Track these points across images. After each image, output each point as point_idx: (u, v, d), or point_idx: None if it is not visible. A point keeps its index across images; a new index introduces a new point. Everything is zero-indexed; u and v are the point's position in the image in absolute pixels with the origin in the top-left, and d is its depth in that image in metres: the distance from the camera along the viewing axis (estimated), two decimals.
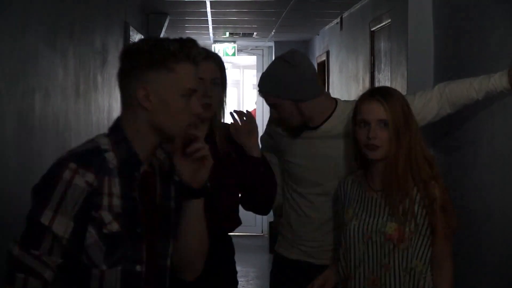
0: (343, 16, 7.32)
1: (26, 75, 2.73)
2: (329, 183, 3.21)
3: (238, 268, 3.19)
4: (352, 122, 2.84)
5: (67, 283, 2.08)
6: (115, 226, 2.06)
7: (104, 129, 2.18)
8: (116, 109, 5.10)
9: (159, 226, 2.19)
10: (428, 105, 3.24)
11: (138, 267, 2.11)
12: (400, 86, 4.62)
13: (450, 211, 2.76)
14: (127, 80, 2.11)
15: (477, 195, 3.32)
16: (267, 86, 3.26)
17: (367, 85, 5.99)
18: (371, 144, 2.74)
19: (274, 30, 9.02)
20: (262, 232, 10.52)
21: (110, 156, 2.07)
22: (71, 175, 2.02)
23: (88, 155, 2.07)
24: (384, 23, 5.40)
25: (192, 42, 2.12)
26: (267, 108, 11.19)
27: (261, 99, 12.23)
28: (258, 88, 3.30)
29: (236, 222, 3.11)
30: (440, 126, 3.56)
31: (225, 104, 3.09)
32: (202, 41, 10.34)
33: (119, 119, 2.13)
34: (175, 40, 2.10)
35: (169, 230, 2.22)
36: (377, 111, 2.75)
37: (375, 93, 2.80)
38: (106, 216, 2.05)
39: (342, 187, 2.94)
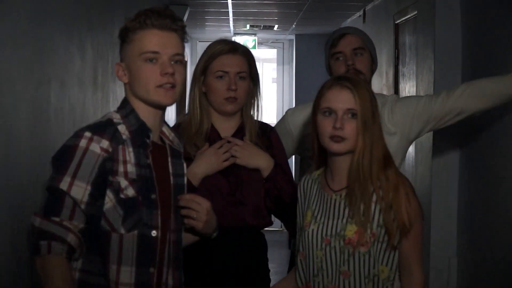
0: (366, 9, 7.25)
1: (41, 65, 2.65)
2: None
3: (273, 265, 3.12)
4: (313, 110, 2.51)
5: (90, 248, 2.19)
6: (131, 191, 2.21)
7: None
8: None
9: (172, 199, 2.33)
10: (452, 101, 3.19)
11: (153, 232, 2.24)
12: (426, 80, 4.53)
13: (417, 215, 2.45)
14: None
15: None
16: (356, 30, 3.27)
17: (391, 79, 5.92)
18: (337, 136, 2.43)
19: (295, 23, 8.93)
20: (281, 227, 10.44)
21: (122, 128, 2.25)
22: (87, 142, 2.18)
23: (102, 126, 2.24)
24: (409, 16, 5.32)
25: (151, 11, 2.27)
26: (286, 102, 11.13)
27: (280, 92, 12.11)
28: (344, 31, 3.24)
29: (265, 221, 2.98)
30: (481, 127, 3.49)
31: (258, 98, 3.02)
32: (222, 34, 10.27)
33: (125, 97, 2.33)
34: (136, 13, 2.29)
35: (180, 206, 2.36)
36: (346, 99, 2.44)
37: (343, 80, 2.49)
38: (122, 181, 2.20)
39: (301, 187, 2.63)
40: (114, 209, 2.20)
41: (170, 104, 2.32)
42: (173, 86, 2.27)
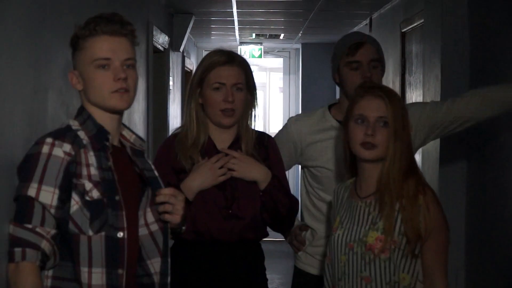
0: (373, 17, 7.22)
1: (38, 74, 2.61)
2: None
3: (277, 276, 3.08)
4: (345, 118, 2.61)
5: (61, 254, 2.24)
6: (96, 193, 2.25)
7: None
8: (137, 111, 4.98)
9: (139, 196, 2.40)
10: (458, 106, 3.13)
11: (119, 234, 2.28)
12: (433, 88, 4.48)
13: (440, 224, 2.51)
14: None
15: None
16: (371, 39, 3.19)
17: (398, 88, 5.88)
18: (368, 142, 2.51)
19: (301, 32, 8.90)
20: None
21: (82, 134, 2.30)
22: (49, 148, 2.23)
23: (62, 131, 2.29)
24: (416, 24, 5.29)
25: (100, 17, 2.32)
26: (292, 112, 11.07)
27: (287, 101, 12.08)
28: (361, 39, 3.14)
29: (262, 233, 2.96)
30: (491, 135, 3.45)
31: (255, 108, 2.97)
32: (228, 43, 10.25)
33: (81, 104, 2.38)
34: (86, 20, 2.33)
35: (151, 201, 2.42)
36: (378, 107, 2.53)
37: (376, 89, 2.58)
38: (87, 184, 2.25)
39: (335, 194, 2.74)
40: (81, 211, 2.24)
41: (126, 108, 2.39)
42: (126, 91, 2.32)
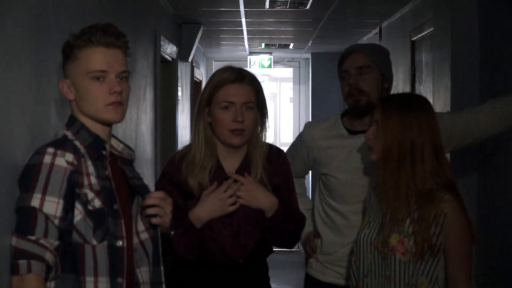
0: (382, 26, 7.20)
1: (40, 85, 2.59)
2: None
3: (273, 285, 3.07)
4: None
5: (63, 266, 2.22)
6: (97, 203, 2.26)
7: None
8: (144, 121, 4.96)
9: (132, 205, 2.41)
10: (476, 118, 3.04)
11: (119, 242, 2.29)
12: (443, 97, 4.45)
13: (461, 232, 2.58)
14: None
15: None
16: (364, 48, 3.19)
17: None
18: (370, 147, 2.71)
19: (311, 41, 8.89)
20: (298, 248, 10.33)
21: (77, 143, 2.30)
22: (51, 158, 2.22)
23: (61, 141, 2.29)
24: (425, 32, 5.26)
25: (95, 28, 2.30)
26: (302, 122, 11.05)
27: (297, 111, 12.08)
28: (351, 49, 3.17)
29: (267, 252, 2.94)
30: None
31: (266, 127, 2.89)
32: (237, 53, 10.24)
33: (71, 114, 2.37)
34: (81, 30, 2.32)
35: (141, 209, 2.43)
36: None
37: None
38: (89, 193, 2.25)
39: (368, 196, 2.85)
40: (84, 221, 2.24)
41: (120, 121, 2.40)
42: (120, 103, 2.32)
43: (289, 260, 9.40)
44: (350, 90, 3.08)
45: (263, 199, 2.82)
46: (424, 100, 2.72)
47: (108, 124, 2.38)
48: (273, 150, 2.93)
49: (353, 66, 3.09)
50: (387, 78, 3.14)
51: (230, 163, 2.86)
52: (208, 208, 2.79)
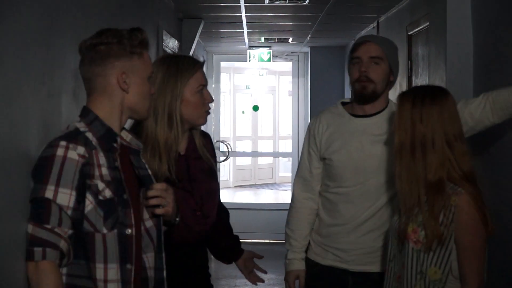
0: (380, 20, 7.25)
1: (52, 77, 2.67)
2: (369, 181, 3.18)
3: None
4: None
5: (75, 252, 2.32)
6: (108, 193, 2.34)
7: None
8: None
9: (141, 191, 2.51)
10: (470, 109, 3.14)
11: (128, 231, 2.38)
12: None
13: (472, 225, 2.63)
14: (100, 69, 2.41)
15: None
16: (379, 39, 3.35)
17: (404, 90, 5.89)
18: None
19: (309, 35, 8.94)
20: None
21: (89, 135, 2.38)
22: (64, 151, 2.30)
23: (73, 134, 2.36)
24: (421, 27, 5.32)
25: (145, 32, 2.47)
26: (301, 115, 11.10)
27: (296, 105, 12.09)
28: (364, 39, 3.30)
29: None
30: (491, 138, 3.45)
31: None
32: (237, 47, 10.30)
33: (86, 106, 2.46)
34: (136, 30, 2.45)
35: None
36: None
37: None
38: (100, 184, 2.33)
39: None
40: (95, 210, 2.32)
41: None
42: None
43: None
44: (360, 77, 3.21)
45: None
46: (438, 92, 2.78)
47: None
48: (201, 130, 3.15)
49: (366, 55, 3.22)
50: (394, 72, 3.28)
51: (183, 145, 3.03)
52: None
